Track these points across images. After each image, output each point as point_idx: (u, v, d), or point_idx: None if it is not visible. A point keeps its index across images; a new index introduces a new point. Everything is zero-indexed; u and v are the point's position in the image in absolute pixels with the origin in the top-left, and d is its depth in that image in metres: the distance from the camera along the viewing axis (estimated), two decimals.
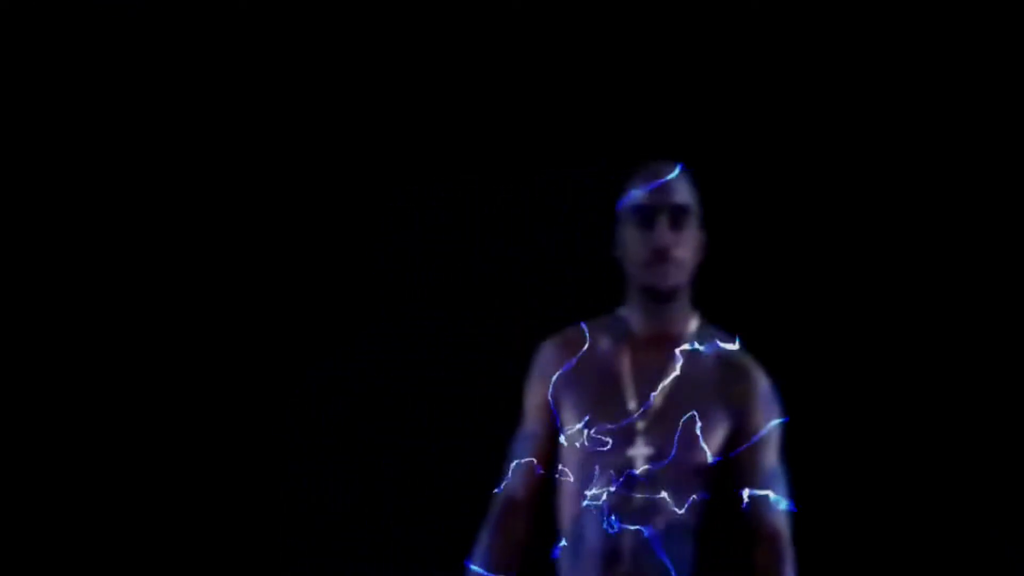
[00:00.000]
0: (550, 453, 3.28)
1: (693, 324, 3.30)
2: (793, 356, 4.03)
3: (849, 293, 4.70)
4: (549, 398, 3.26)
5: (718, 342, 3.26)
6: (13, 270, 4.71)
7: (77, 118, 4.72)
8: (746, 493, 3.18)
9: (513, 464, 3.27)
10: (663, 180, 3.27)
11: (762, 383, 3.30)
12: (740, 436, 3.24)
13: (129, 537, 4.75)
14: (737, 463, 3.23)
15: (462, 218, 4.74)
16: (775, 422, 3.26)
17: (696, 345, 3.24)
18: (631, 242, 3.28)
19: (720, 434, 3.25)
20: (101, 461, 4.76)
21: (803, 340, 4.60)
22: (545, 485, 3.29)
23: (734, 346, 3.21)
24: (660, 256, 3.23)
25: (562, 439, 3.25)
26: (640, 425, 3.20)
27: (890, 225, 4.68)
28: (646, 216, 3.25)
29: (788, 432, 3.36)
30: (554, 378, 3.25)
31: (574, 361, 3.23)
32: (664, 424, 3.18)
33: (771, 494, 3.19)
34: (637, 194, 3.27)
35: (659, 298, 3.26)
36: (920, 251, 4.70)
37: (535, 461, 3.26)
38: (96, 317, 4.72)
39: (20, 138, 4.72)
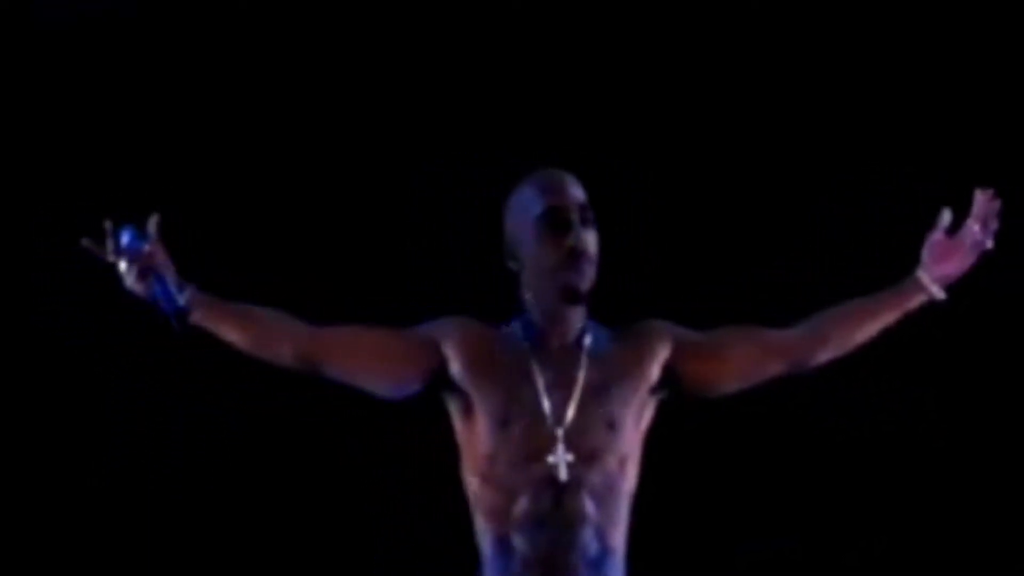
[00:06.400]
0: (381, 367, 3.22)
1: (583, 324, 3.23)
2: None
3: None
4: (442, 351, 3.20)
5: (606, 331, 3.24)
6: (15, 269, 4.73)
7: (81, 106, 4.74)
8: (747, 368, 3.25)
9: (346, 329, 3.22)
10: (561, 182, 3.21)
11: (655, 323, 3.28)
12: (680, 368, 3.24)
13: (131, 538, 4.76)
14: (714, 374, 3.25)
15: (459, 212, 4.76)
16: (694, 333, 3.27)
17: (591, 341, 3.20)
18: (543, 247, 3.19)
19: (651, 404, 3.24)
20: (99, 459, 4.76)
21: None
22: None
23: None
24: (578, 256, 3.16)
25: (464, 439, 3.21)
26: (559, 432, 3.13)
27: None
28: (557, 219, 3.17)
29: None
30: (457, 342, 3.19)
31: (471, 344, 3.19)
32: (585, 427, 3.15)
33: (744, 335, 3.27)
34: (541, 199, 3.19)
35: (576, 300, 3.19)
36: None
37: (361, 345, 3.21)
38: (96, 314, 4.72)
39: (19, 136, 4.74)
